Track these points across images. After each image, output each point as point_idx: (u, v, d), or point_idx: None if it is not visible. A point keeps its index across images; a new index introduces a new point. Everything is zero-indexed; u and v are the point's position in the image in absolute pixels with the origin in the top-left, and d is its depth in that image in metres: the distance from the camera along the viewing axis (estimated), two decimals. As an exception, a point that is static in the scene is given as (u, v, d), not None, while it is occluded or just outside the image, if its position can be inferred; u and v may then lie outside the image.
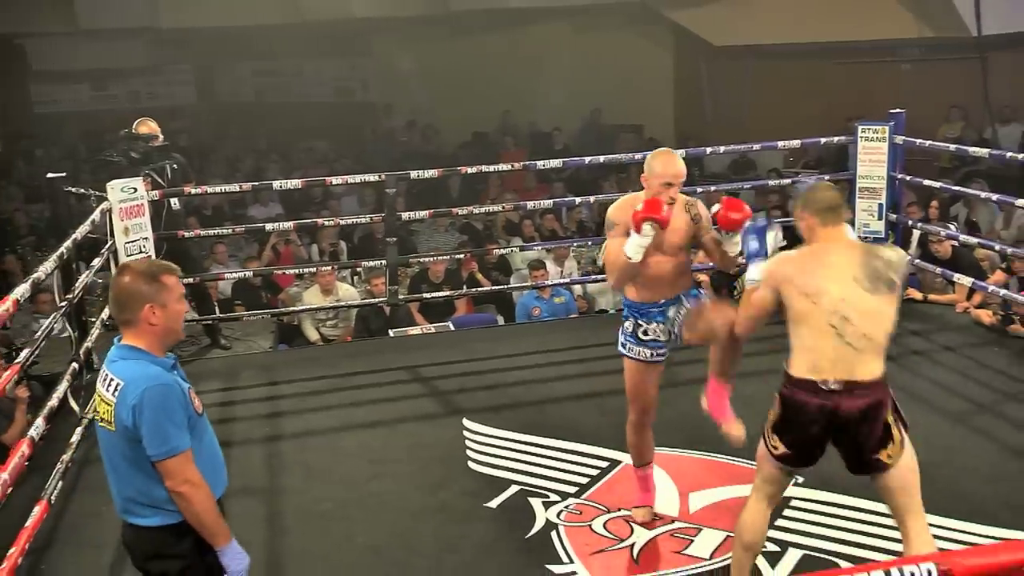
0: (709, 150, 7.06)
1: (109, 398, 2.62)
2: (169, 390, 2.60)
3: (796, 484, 4.18)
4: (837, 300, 3.03)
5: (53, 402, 4.19)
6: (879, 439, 3.06)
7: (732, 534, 3.93)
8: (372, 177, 6.32)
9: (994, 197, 6.94)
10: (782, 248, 3.45)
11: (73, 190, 6.15)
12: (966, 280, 6.21)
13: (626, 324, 3.90)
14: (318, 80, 17.13)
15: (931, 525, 3.23)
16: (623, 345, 3.92)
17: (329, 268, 7.38)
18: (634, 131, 14.28)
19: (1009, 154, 7.14)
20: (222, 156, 14.98)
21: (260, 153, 15.18)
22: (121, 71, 16.11)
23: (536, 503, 4.30)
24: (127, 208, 5.63)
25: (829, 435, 3.11)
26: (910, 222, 6.98)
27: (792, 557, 3.82)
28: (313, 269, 7.50)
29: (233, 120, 16.91)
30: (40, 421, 3.91)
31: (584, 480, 4.50)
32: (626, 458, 4.64)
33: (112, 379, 2.63)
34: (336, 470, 4.72)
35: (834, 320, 3.01)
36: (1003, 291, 6.07)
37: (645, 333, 3.85)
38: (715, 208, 3.76)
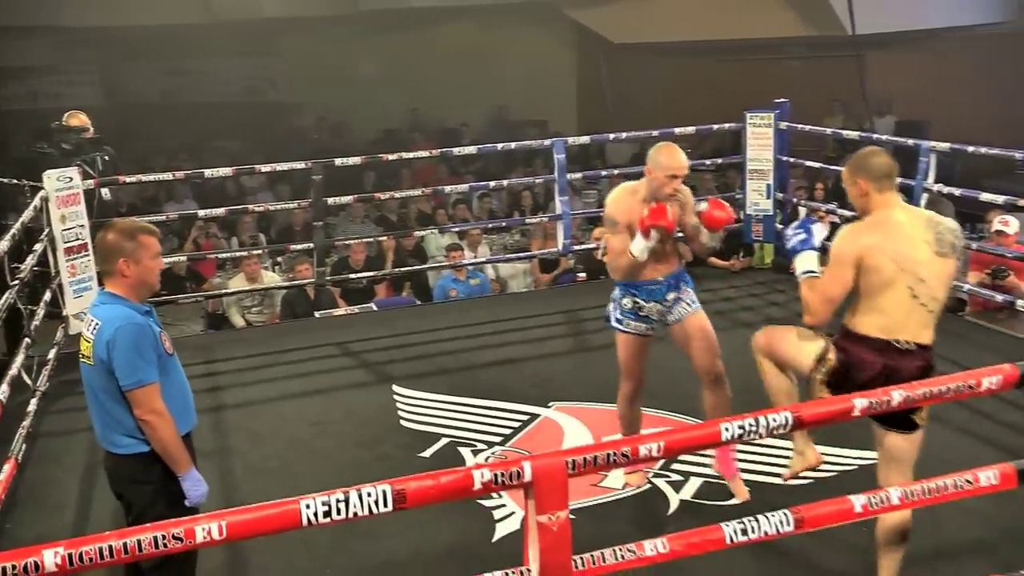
0: (612, 136, 7.67)
1: (88, 336, 3.00)
2: (140, 329, 2.98)
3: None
4: (916, 263, 3.08)
5: (14, 371, 4.46)
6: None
7: (638, 471, 4.44)
8: (300, 164, 6.68)
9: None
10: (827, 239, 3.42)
11: (4, 181, 6.34)
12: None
13: (624, 301, 4.10)
14: (228, 79, 17.13)
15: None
16: (619, 321, 4.13)
17: (258, 254, 7.69)
18: (539, 126, 14.80)
19: (876, 135, 7.86)
20: (131, 157, 14.87)
21: (170, 153, 15.18)
22: (21, 69, 15.87)
23: (465, 452, 4.77)
24: (63, 197, 5.87)
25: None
26: (794, 200, 7.67)
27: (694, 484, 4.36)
28: (244, 254, 7.79)
29: (141, 120, 16.74)
30: (5, 387, 4.19)
31: (508, 431, 4.98)
32: (545, 412, 5.18)
33: (92, 320, 3.02)
34: (279, 433, 5.09)
35: (912, 282, 3.07)
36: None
37: (641, 310, 4.08)
38: (702, 207, 4.05)
